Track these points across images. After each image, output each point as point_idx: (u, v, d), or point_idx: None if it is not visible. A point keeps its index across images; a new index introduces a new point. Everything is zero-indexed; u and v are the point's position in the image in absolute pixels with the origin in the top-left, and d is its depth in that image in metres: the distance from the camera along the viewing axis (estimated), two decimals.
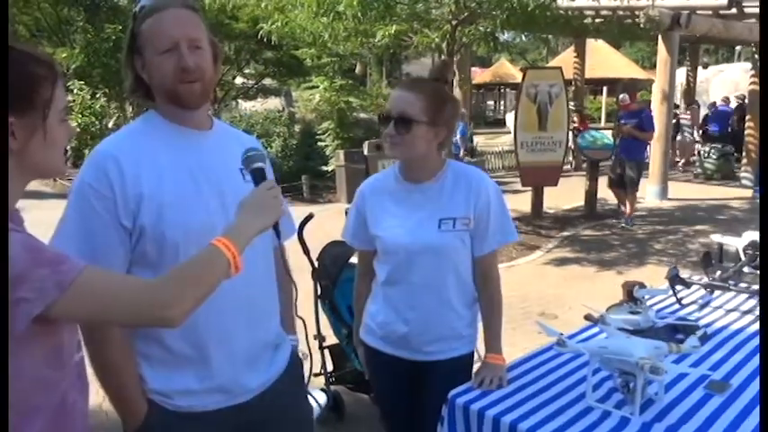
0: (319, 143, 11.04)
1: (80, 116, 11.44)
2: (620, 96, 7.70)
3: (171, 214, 1.28)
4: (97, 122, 12.08)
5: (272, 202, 1.25)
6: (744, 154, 10.83)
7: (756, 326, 2.08)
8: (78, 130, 11.21)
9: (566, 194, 9.08)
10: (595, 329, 2.02)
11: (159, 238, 1.28)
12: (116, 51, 11.98)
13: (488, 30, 6.79)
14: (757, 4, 8.77)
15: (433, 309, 1.77)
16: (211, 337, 1.35)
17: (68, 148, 1.10)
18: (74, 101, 11.36)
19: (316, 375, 3.04)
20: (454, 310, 1.80)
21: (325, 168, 10.65)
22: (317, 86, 11.04)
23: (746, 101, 11.46)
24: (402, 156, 1.75)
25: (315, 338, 2.94)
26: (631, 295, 2.22)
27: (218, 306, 1.29)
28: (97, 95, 11.98)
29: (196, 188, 1.33)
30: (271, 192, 1.26)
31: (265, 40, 8.16)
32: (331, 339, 3.12)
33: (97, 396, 1.41)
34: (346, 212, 3.05)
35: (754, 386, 1.63)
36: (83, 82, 11.72)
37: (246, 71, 14.87)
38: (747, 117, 10.76)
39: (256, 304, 1.43)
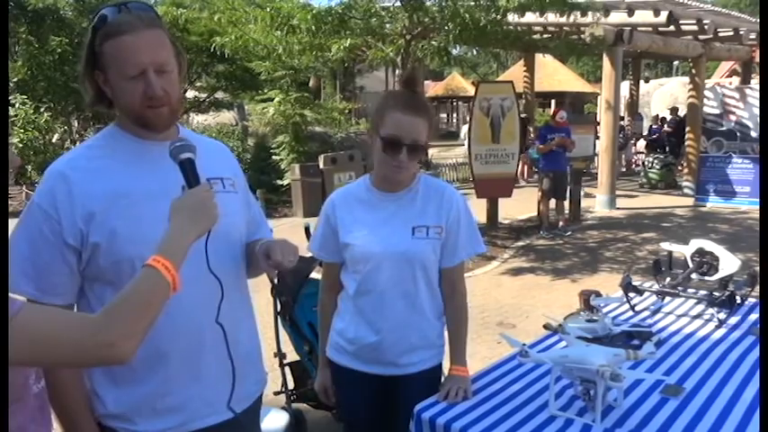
0: (274, 157, 10.91)
1: (22, 131, 11.00)
2: (561, 114, 8.09)
3: (125, 231, 1.24)
4: (41, 138, 11.64)
5: (209, 204, 1.18)
6: (684, 164, 11.35)
7: (706, 330, 2.17)
8: (21, 145, 10.77)
9: (519, 205, 9.28)
10: (555, 338, 2.07)
11: (114, 255, 1.25)
12: (61, 64, 11.60)
13: (441, 44, 6.91)
14: (692, 21, 9.27)
15: (406, 316, 1.76)
16: (173, 353, 1.31)
17: None
18: (16, 115, 10.93)
19: (276, 394, 3.00)
20: (426, 317, 1.80)
21: (280, 182, 10.54)
22: (272, 99, 10.95)
23: (684, 113, 12.02)
24: (405, 177, 1.77)
25: (275, 356, 2.89)
26: (588, 304, 2.28)
27: (180, 321, 1.28)
28: (41, 110, 11.56)
29: (153, 203, 1.28)
30: (208, 193, 1.19)
31: (218, 53, 8.07)
32: (292, 356, 3.08)
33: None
34: (306, 229, 3.06)
35: (707, 389, 1.70)
36: (25, 96, 11.29)
37: (198, 84, 14.61)
38: (687, 129, 11.29)
39: (224, 320, 1.38)
